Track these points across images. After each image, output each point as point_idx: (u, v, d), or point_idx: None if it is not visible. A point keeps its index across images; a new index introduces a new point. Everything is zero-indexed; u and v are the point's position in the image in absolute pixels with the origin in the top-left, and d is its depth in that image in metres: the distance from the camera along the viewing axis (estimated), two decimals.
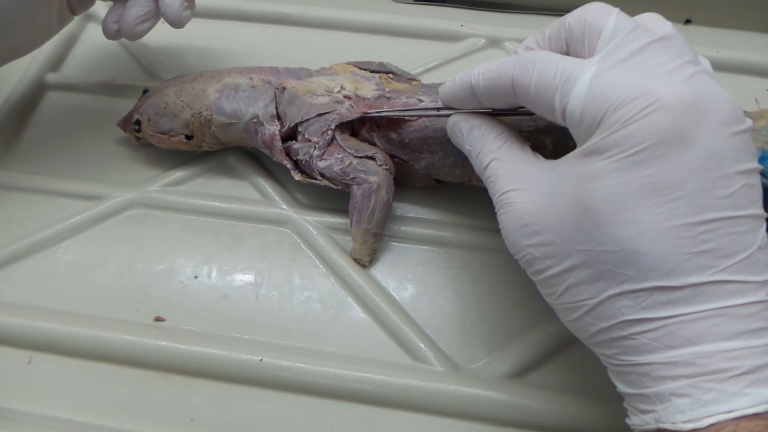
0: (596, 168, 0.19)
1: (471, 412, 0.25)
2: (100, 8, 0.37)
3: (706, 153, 0.18)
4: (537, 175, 0.21)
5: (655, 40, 0.19)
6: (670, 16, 0.42)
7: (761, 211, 0.19)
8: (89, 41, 0.39)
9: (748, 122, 0.19)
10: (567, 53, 0.22)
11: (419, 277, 0.29)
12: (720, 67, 0.38)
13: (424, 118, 0.28)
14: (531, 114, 0.22)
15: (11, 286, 0.29)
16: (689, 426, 0.17)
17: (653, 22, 0.20)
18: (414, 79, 0.31)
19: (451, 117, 0.25)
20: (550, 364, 0.26)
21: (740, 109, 0.19)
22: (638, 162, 0.18)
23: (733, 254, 0.18)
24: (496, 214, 0.22)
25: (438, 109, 0.26)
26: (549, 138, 0.27)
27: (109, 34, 0.30)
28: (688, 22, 0.41)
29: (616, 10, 0.21)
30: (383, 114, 0.28)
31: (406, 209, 0.31)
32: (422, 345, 0.26)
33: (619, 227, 0.18)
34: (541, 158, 0.22)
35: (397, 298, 0.28)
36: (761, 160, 0.27)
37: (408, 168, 0.30)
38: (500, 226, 0.22)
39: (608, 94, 0.19)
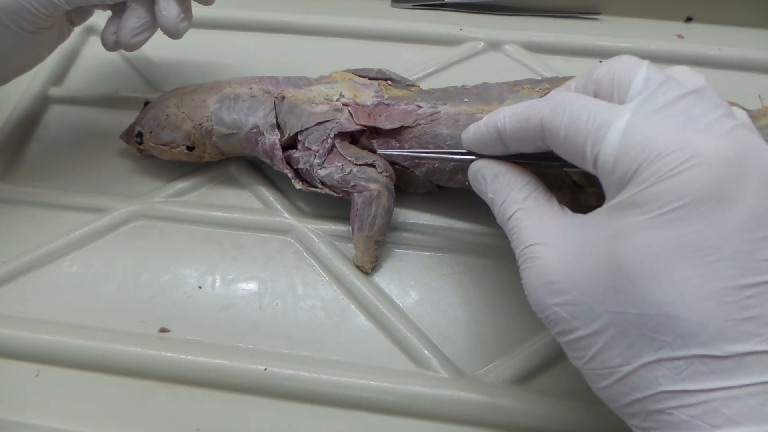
0: (631, 224, 0.18)
1: (476, 418, 0.25)
2: (101, 21, 0.37)
3: (749, 212, 0.17)
4: (565, 229, 0.20)
5: (689, 93, 0.18)
6: (671, 15, 0.42)
7: None
8: (91, 55, 0.40)
9: None
10: None
11: (422, 283, 0.29)
12: (722, 64, 0.38)
13: (423, 124, 0.28)
14: (559, 162, 0.21)
15: (18, 300, 0.29)
16: None
17: (684, 74, 0.20)
18: (413, 85, 0.31)
19: (474, 162, 0.24)
20: (555, 369, 0.26)
21: None
22: (677, 219, 0.17)
23: None
24: (519, 269, 0.21)
25: (461, 153, 0.25)
26: (575, 177, 0.26)
27: (108, 46, 0.31)
28: (689, 19, 0.41)
29: (647, 62, 0.20)
30: (403, 154, 0.28)
31: (408, 215, 0.31)
32: (426, 351, 0.26)
33: (656, 289, 0.17)
34: (569, 212, 0.21)
35: (401, 304, 0.28)
36: None
37: (408, 174, 0.30)
38: (523, 282, 0.21)
39: (643, 145, 0.18)
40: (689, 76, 0.20)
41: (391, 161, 0.29)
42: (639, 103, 0.19)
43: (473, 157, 0.24)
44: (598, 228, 0.19)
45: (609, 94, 0.20)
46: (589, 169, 0.19)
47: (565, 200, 0.22)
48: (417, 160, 0.29)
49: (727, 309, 0.17)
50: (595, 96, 0.21)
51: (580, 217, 0.20)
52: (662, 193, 0.17)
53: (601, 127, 0.19)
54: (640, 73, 0.19)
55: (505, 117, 0.22)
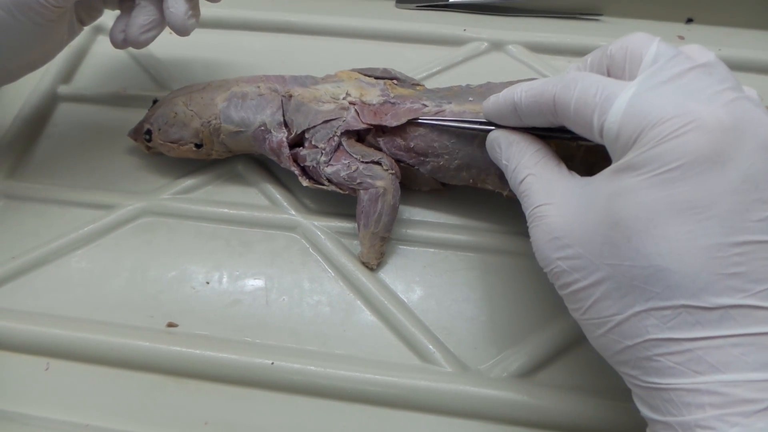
0: (629, 184, 0.19)
1: (480, 412, 0.25)
2: (109, 20, 0.37)
3: (742, 175, 0.18)
4: (570, 190, 0.21)
5: (697, 66, 0.19)
6: (672, 16, 0.43)
7: None
8: (99, 53, 0.40)
9: None
10: None
11: (427, 279, 0.29)
12: None
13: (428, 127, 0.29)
14: (571, 135, 0.22)
15: (27, 295, 0.29)
16: None
17: (696, 51, 0.20)
18: (418, 85, 0.32)
19: (491, 132, 0.25)
20: (559, 362, 0.26)
21: None
22: (671, 179, 0.18)
23: (764, 279, 0.17)
24: (527, 227, 0.22)
25: (481, 122, 0.26)
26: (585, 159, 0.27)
27: (117, 43, 0.31)
28: (689, 21, 0.42)
29: (659, 38, 0.21)
30: (429, 122, 0.28)
31: (413, 212, 0.31)
32: (431, 346, 0.27)
33: (649, 243, 0.18)
34: (576, 175, 0.22)
35: (406, 300, 0.29)
36: None
37: (414, 172, 0.30)
38: (531, 239, 0.22)
39: (646, 113, 0.19)
40: (701, 52, 0.20)
41: (397, 159, 0.29)
42: (646, 76, 0.20)
43: (492, 127, 0.26)
44: (600, 188, 0.20)
45: (621, 68, 0.21)
46: (596, 138, 0.20)
47: (577, 171, 0.23)
48: (422, 158, 0.29)
49: (715, 264, 0.17)
50: (608, 70, 0.22)
51: (585, 179, 0.21)
52: (660, 155, 0.18)
53: (608, 98, 0.20)
54: (651, 48, 0.20)
55: (522, 91, 0.23)
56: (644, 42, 0.21)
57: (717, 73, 0.19)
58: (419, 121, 0.28)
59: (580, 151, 0.27)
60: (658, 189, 0.18)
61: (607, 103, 0.20)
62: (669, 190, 0.18)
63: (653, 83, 0.19)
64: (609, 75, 0.22)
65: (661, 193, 0.18)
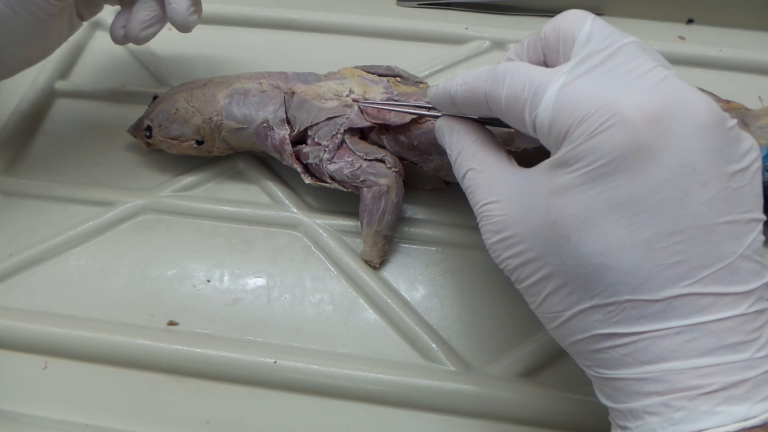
0: (564, 181, 0.18)
1: (484, 411, 0.25)
2: (108, 16, 0.37)
3: (677, 161, 0.17)
4: (512, 185, 0.21)
5: (629, 43, 0.19)
6: (672, 16, 0.43)
7: (749, 215, 0.18)
8: (97, 49, 0.40)
9: (731, 121, 0.18)
10: (545, 63, 0.22)
11: (430, 278, 0.29)
12: (723, 66, 0.38)
13: (431, 120, 0.28)
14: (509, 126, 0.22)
15: (25, 293, 0.29)
16: None
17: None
18: (421, 82, 0.32)
19: (437, 120, 0.25)
20: (562, 362, 0.26)
21: (718, 109, 0.18)
22: (603, 175, 0.18)
23: (708, 264, 0.17)
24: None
25: (429, 108, 0.26)
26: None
27: (117, 39, 0.31)
28: (690, 21, 0.42)
29: (592, 16, 0.20)
30: (375, 106, 0.28)
31: (416, 211, 0.31)
32: (434, 345, 0.27)
33: (588, 242, 0.18)
34: (515, 165, 0.22)
35: (409, 299, 0.28)
36: (767, 158, 0.28)
37: (417, 170, 0.30)
38: (482, 237, 0.22)
39: (573, 106, 0.18)
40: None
41: (401, 157, 0.29)
42: (575, 63, 0.19)
43: (439, 114, 0.25)
44: (539, 184, 0.20)
45: (556, 50, 0.21)
46: (531, 133, 0.20)
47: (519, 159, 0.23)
48: (426, 156, 0.29)
49: (655, 256, 0.17)
50: (544, 53, 0.21)
51: (524, 171, 0.21)
52: (588, 152, 0.18)
53: (537, 92, 0.19)
54: (584, 27, 0.20)
55: (457, 85, 0.23)
56: (577, 21, 0.20)
57: (650, 50, 0.19)
58: (362, 105, 0.28)
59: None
60: (592, 186, 0.18)
61: (537, 97, 0.19)
62: (602, 186, 0.18)
63: (583, 69, 0.19)
64: (546, 58, 0.21)
65: (594, 190, 0.18)
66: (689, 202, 0.17)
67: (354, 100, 0.30)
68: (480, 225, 0.22)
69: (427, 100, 0.28)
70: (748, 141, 0.18)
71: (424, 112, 0.27)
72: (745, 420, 0.17)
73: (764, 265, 0.18)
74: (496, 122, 0.24)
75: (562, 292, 0.19)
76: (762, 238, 0.18)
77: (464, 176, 0.23)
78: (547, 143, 0.20)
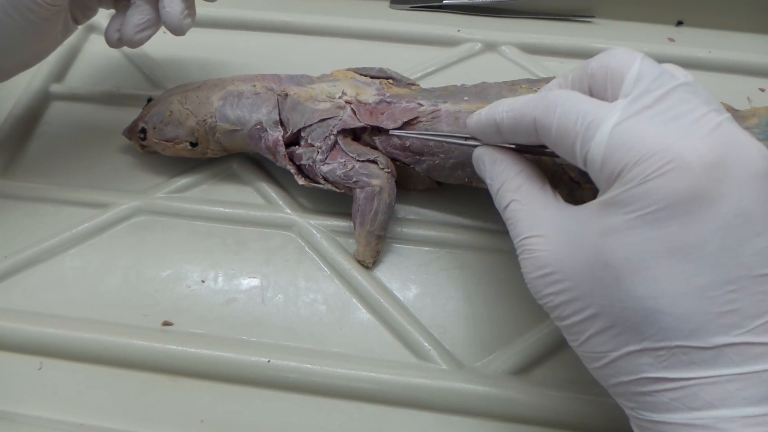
0: (616, 222, 0.18)
1: (475, 409, 0.26)
2: (102, 19, 0.37)
3: (733, 210, 0.17)
4: (558, 221, 0.21)
5: (680, 85, 0.19)
6: (662, 18, 0.43)
7: None
8: (92, 52, 0.40)
9: None
10: None
11: (422, 277, 0.29)
12: (712, 67, 0.39)
13: (424, 121, 0.29)
14: (556, 155, 0.22)
15: (21, 294, 0.29)
16: None
17: (676, 69, 0.20)
18: (413, 84, 0.32)
19: (476, 149, 0.25)
20: (553, 360, 0.27)
21: None
22: (659, 219, 0.18)
23: (760, 314, 0.17)
24: (517, 256, 0.22)
25: (466, 138, 0.26)
26: (572, 174, 0.27)
27: (111, 42, 0.31)
28: (680, 23, 0.42)
29: (641, 55, 0.20)
30: (411, 136, 0.28)
31: (408, 211, 0.32)
32: (426, 344, 0.27)
33: (640, 286, 0.18)
34: (561, 201, 0.22)
35: (401, 298, 0.29)
36: None
37: (409, 171, 0.30)
38: (522, 271, 0.21)
39: (628, 147, 0.18)
40: (680, 72, 0.20)
41: (393, 158, 0.30)
42: (629, 101, 0.19)
43: (477, 144, 0.25)
44: (589, 223, 0.19)
45: (603, 88, 0.20)
46: (581, 166, 0.20)
47: (563, 195, 0.23)
48: (418, 157, 0.29)
49: (708, 303, 0.17)
50: (590, 89, 0.21)
51: (572, 208, 0.21)
52: (644, 195, 0.18)
53: (590, 127, 0.19)
54: (633, 67, 0.20)
55: (503, 111, 0.23)
56: (625, 60, 0.20)
57: (700, 93, 0.19)
58: (401, 134, 0.28)
59: (565, 178, 0.26)
60: (646, 229, 0.18)
61: (589, 132, 0.19)
62: (657, 230, 0.18)
63: (636, 108, 0.19)
64: (591, 94, 0.21)
65: (649, 233, 0.18)
66: (743, 251, 0.17)
67: (347, 102, 0.30)
68: (520, 258, 0.21)
69: (433, 103, 0.28)
70: None
71: (461, 141, 0.26)
72: None
73: None
74: (539, 152, 0.23)
75: (608, 334, 0.19)
76: None
77: (507, 207, 0.23)
78: (597, 179, 0.20)
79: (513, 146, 0.24)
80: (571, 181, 0.28)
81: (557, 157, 0.22)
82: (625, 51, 0.20)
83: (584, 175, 0.27)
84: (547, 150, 0.22)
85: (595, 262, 0.19)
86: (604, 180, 0.19)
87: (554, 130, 0.20)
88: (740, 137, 0.18)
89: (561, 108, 0.20)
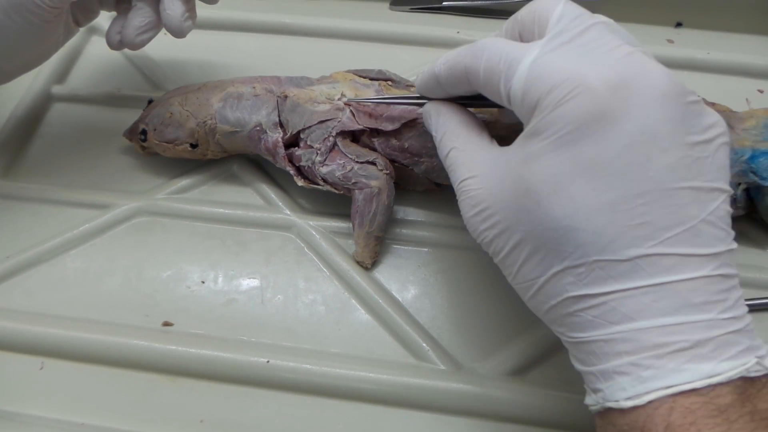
0: (534, 149, 0.19)
1: (474, 410, 0.26)
2: (104, 21, 0.37)
3: (638, 127, 0.18)
4: (490, 161, 0.22)
5: (599, 23, 0.20)
6: (661, 20, 0.43)
7: (712, 184, 0.19)
8: (93, 54, 0.40)
9: (692, 96, 0.19)
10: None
11: (421, 278, 0.30)
12: (711, 68, 0.39)
13: (422, 123, 0.29)
14: (494, 104, 0.23)
15: (22, 294, 0.29)
16: (630, 403, 0.18)
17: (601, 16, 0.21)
18: (412, 86, 0.32)
19: (425, 104, 0.26)
20: (551, 361, 0.27)
21: (680, 84, 0.19)
22: (570, 141, 0.19)
23: (671, 226, 0.18)
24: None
25: (416, 98, 0.27)
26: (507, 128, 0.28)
27: (112, 45, 0.31)
28: (678, 25, 0.42)
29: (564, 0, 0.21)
30: (365, 101, 0.29)
31: (407, 212, 0.32)
32: (425, 344, 0.27)
33: (556, 206, 0.19)
34: (496, 145, 0.23)
35: (400, 299, 0.29)
36: (751, 159, 0.28)
37: (408, 172, 0.30)
38: (461, 213, 0.23)
39: (544, 78, 0.19)
40: (602, 17, 0.21)
41: (392, 159, 0.30)
42: (548, 38, 0.20)
43: (425, 101, 0.26)
44: (512, 156, 0.21)
45: (531, 32, 0.22)
46: (506, 104, 0.21)
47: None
48: (416, 158, 0.29)
49: (620, 217, 0.18)
50: (521, 35, 0.22)
51: (503, 148, 0.22)
52: (556, 120, 0.19)
53: (512, 65, 0.20)
54: (557, 9, 0.21)
55: (440, 64, 0.24)
56: (550, 3, 0.21)
57: (618, 31, 0.20)
58: (355, 100, 0.29)
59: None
60: (560, 152, 0.19)
61: (511, 69, 0.20)
62: (569, 151, 0.19)
63: (554, 44, 0.20)
64: (521, 40, 0.22)
65: (562, 155, 0.19)
66: (651, 166, 0.18)
67: (345, 104, 0.30)
68: (459, 201, 0.23)
69: (413, 90, 0.29)
70: (712, 117, 0.19)
71: (413, 101, 0.27)
72: (711, 377, 0.17)
73: (729, 232, 0.19)
74: (479, 103, 0.25)
75: (535, 259, 0.20)
76: (728, 208, 0.19)
77: (447, 155, 0.24)
78: (521, 115, 0.21)
79: (458, 102, 0.25)
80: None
81: (496, 106, 0.23)
82: None
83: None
84: (487, 102, 0.23)
85: (518, 190, 0.20)
86: (525, 113, 0.20)
87: (482, 73, 0.21)
88: (648, 63, 0.19)
89: (487, 52, 0.21)
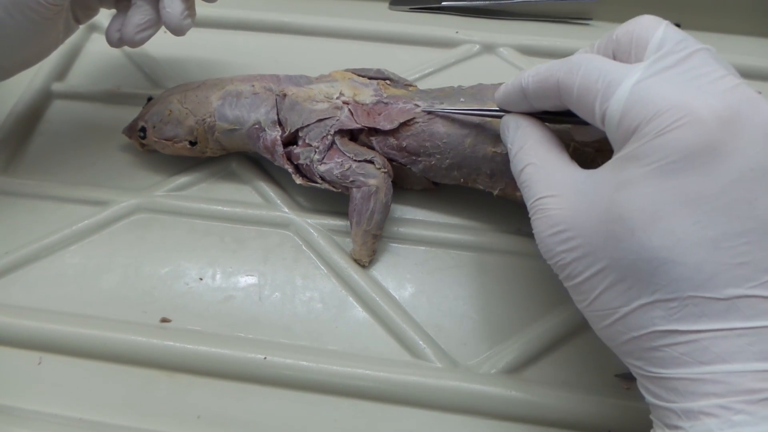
0: (632, 175, 0.19)
1: (469, 407, 0.26)
2: (104, 19, 0.37)
3: (748, 163, 0.17)
4: (573, 181, 0.21)
5: (703, 49, 0.19)
6: None
7: None
8: (93, 51, 0.40)
9: None
10: None
11: (418, 276, 0.30)
12: None
13: (420, 122, 0.29)
14: (580, 121, 0.22)
15: (21, 290, 0.29)
16: None
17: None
18: (410, 85, 0.32)
19: (504, 116, 0.26)
20: (546, 359, 0.27)
21: None
22: (674, 171, 0.18)
23: None
24: (529, 219, 0.22)
25: (494, 110, 0.26)
26: (594, 150, 0.27)
27: (112, 42, 0.31)
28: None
29: (666, 22, 0.21)
30: (444, 112, 0.29)
31: (405, 211, 0.32)
32: (421, 342, 0.27)
33: (654, 236, 0.18)
34: (577, 166, 0.22)
35: (397, 297, 0.29)
36: None
37: (406, 171, 0.31)
38: (534, 231, 0.22)
39: (646, 102, 0.19)
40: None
41: (390, 158, 0.30)
42: (651, 61, 0.19)
43: (503, 113, 0.26)
44: (603, 180, 0.20)
45: (627, 53, 0.21)
46: (599, 125, 0.20)
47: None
48: (414, 157, 0.30)
49: (721, 254, 0.17)
50: (615, 55, 0.22)
51: (588, 171, 0.21)
52: (659, 148, 0.18)
53: (610, 85, 0.20)
54: (658, 32, 0.20)
55: (529, 76, 0.23)
56: (651, 26, 0.20)
57: (721, 59, 0.20)
58: (433, 111, 0.29)
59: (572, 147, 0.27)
60: (661, 181, 0.18)
61: (609, 90, 0.20)
62: (672, 181, 0.18)
63: (657, 68, 0.19)
64: (615, 59, 0.21)
65: (663, 185, 0.18)
66: (758, 204, 0.17)
67: (344, 103, 0.30)
68: (533, 219, 0.22)
69: (429, 104, 0.29)
70: None
71: (492, 113, 0.27)
72: None
73: None
74: (562, 120, 0.24)
75: (619, 288, 0.19)
76: None
77: (522, 170, 0.23)
78: (613, 137, 0.20)
79: (539, 116, 0.24)
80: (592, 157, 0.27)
81: (582, 123, 0.22)
82: (651, 18, 0.21)
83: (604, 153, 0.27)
84: (572, 118, 0.23)
85: (609, 216, 0.19)
86: (621, 137, 0.19)
87: (576, 89, 0.21)
88: (755, 97, 0.19)
89: (584, 68, 0.21)
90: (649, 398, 0.20)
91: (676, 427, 0.18)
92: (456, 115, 0.29)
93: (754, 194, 0.18)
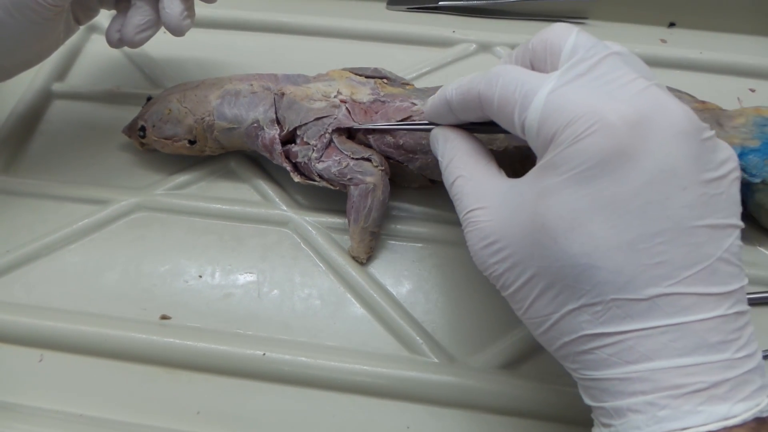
0: (551, 184, 0.19)
1: (466, 402, 0.26)
2: (104, 20, 0.38)
3: (658, 165, 0.18)
4: (500, 192, 0.21)
5: (612, 53, 0.20)
6: (654, 20, 0.44)
7: (727, 220, 0.19)
8: (93, 52, 0.41)
9: (708, 132, 0.19)
10: None
11: (415, 273, 0.30)
12: (703, 68, 0.39)
13: (416, 120, 0.29)
14: (506, 130, 0.22)
15: (22, 288, 0.30)
16: None
17: (612, 43, 0.21)
18: (407, 84, 0.33)
19: (433, 129, 0.26)
20: (542, 355, 0.27)
21: (696, 118, 0.19)
22: (589, 177, 0.18)
23: (689, 265, 0.18)
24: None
25: (424, 124, 0.27)
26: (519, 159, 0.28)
27: (112, 43, 0.31)
28: (672, 25, 0.43)
29: (577, 28, 0.21)
30: (375, 127, 0.29)
31: (402, 208, 0.32)
32: (419, 338, 0.27)
33: (574, 243, 0.18)
34: (504, 175, 0.23)
35: (394, 293, 0.29)
36: (740, 156, 0.29)
37: (403, 169, 0.31)
38: (467, 244, 0.22)
39: (561, 111, 0.19)
40: (615, 45, 0.21)
41: (387, 156, 0.30)
42: (563, 70, 0.20)
43: (432, 126, 0.26)
44: (526, 189, 0.20)
45: (543, 61, 0.21)
46: (520, 134, 0.21)
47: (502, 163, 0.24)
48: (411, 155, 0.30)
49: (639, 256, 0.18)
50: (532, 64, 0.22)
51: (513, 180, 0.22)
52: (573, 156, 0.18)
53: (527, 95, 0.20)
54: (569, 40, 0.20)
55: (452, 89, 0.24)
56: (563, 33, 0.21)
57: (632, 62, 0.20)
58: (366, 127, 0.29)
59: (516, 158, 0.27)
60: (578, 188, 0.18)
61: (526, 100, 0.20)
62: (587, 188, 0.18)
63: (570, 77, 0.20)
64: (533, 68, 0.22)
65: (580, 192, 0.18)
66: (670, 204, 0.18)
67: (342, 101, 0.30)
68: (465, 232, 0.22)
69: (422, 113, 0.29)
70: (725, 151, 0.19)
71: (421, 127, 0.27)
72: (726, 419, 0.17)
73: (742, 268, 0.19)
74: (490, 130, 0.24)
75: (549, 295, 0.19)
76: (740, 243, 0.19)
77: (453, 183, 0.23)
78: (535, 146, 0.20)
79: (467, 127, 0.25)
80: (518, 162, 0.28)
81: (508, 133, 0.22)
82: (563, 25, 0.21)
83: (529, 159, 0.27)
84: (498, 128, 0.23)
85: (533, 225, 0.19)
86: (540, 146, 0.20)
87: (496, 101, 0.21)
88: (664, 98, 0.19)
89: (502, 80, 0.21)
90: (586, 400, 0.20)
91: (609, 425, 0.19)
92: (388, 129, 0.29)
93: (665, 195, 0.18)
